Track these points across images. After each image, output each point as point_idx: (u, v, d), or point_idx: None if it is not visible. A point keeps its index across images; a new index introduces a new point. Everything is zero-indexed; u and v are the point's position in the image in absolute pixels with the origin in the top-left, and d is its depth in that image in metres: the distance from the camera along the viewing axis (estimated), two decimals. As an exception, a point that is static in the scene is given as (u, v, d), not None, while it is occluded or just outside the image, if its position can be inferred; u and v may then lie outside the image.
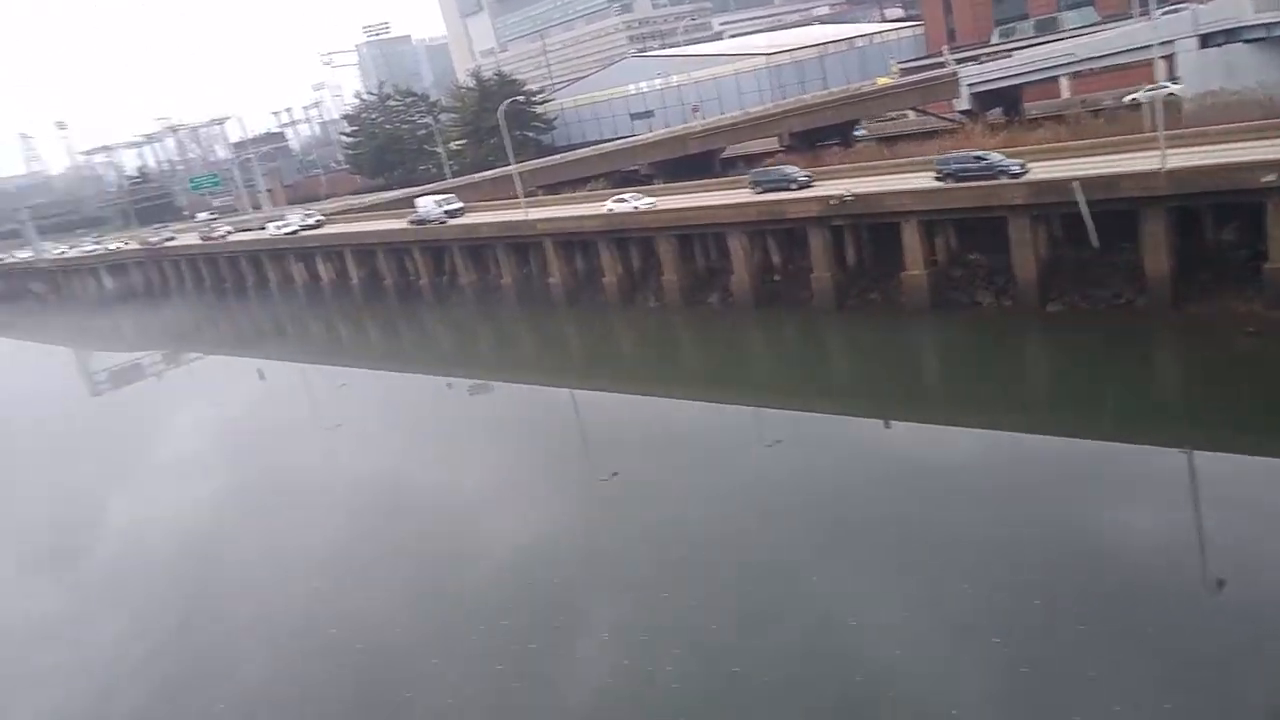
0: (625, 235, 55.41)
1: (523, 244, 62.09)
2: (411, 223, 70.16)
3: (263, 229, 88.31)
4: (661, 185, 68.45)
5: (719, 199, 53.27)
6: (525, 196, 64.06)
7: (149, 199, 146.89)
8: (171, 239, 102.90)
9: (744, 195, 52.61)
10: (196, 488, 40.31)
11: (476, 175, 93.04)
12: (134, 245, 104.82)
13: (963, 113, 65.42)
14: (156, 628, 27.52)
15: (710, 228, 51.39)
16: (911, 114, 77.27)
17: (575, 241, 58.74)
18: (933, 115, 71.81)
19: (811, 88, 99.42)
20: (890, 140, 71.74)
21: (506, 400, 47.15)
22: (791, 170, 53.16)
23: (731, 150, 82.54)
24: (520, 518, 30.90)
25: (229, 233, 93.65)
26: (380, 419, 47.10)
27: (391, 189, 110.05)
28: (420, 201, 72.70)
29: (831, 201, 44.29)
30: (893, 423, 34.92)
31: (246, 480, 40.60)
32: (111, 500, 41.30)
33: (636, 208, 55.19)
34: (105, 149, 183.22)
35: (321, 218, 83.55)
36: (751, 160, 76.31)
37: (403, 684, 22.15)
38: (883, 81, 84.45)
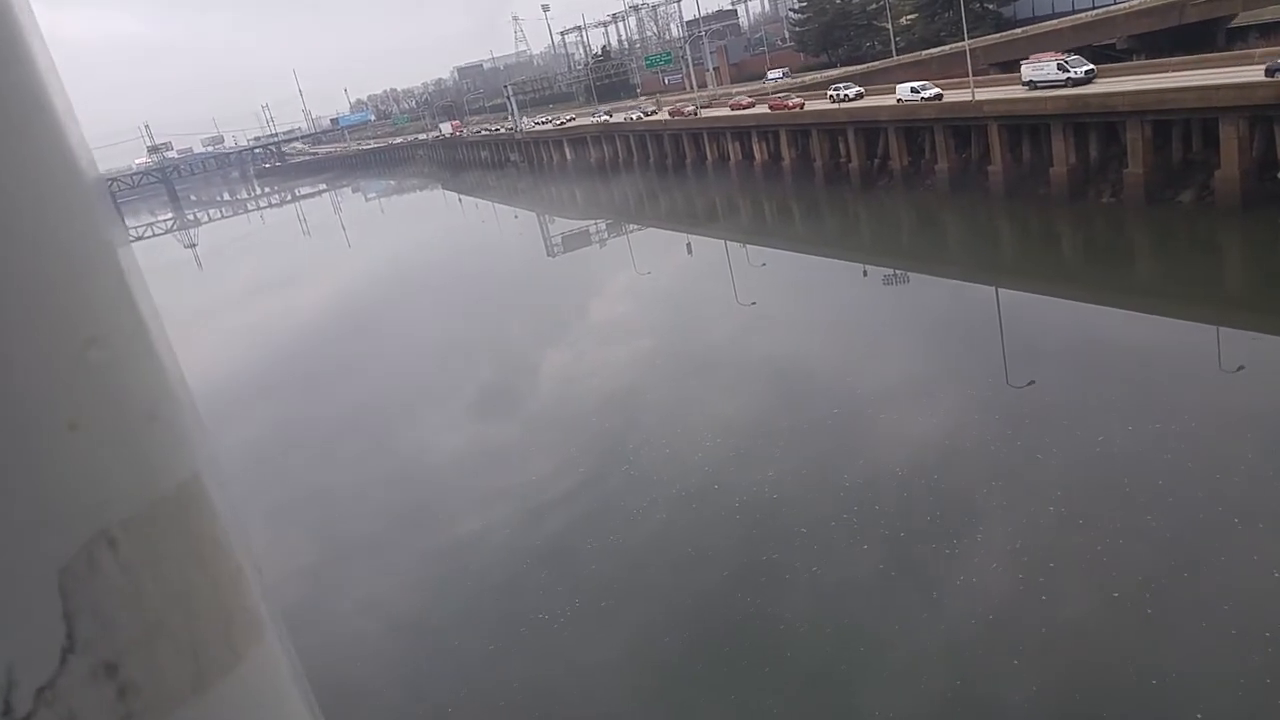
0: (1085, 120, 48.58)
1: (963, 127, 57.22)
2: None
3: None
4: (1143, 61, 58.95)
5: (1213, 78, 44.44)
6: (975, 75, 58.71)
7: (607, 76, 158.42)
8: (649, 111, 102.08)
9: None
10: (620, 346, 43.72)
11: (923, 53, 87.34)
12: (663, 115, 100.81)
13: None
14: (575, 464, 30.26)
15: (1198, 112, 43.10)
16: None
17: (1024, 125, 52.81)
18: None
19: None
20: None
21: (922, 293, 44.49)
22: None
23: (1244, 18, 68.28)
24: (921, 415, 29.13)
25: (801, 102, 77.32)
26: (793, 300, 47.00)
27: (834, 67, 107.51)
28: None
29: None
30: None
31: (664, 344, 42.92)
32: (549, 350, 46.07)
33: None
34: (578, 29, 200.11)
35: (940, 91, 61.53)
36: (1268, 31, 62.78)
37: (771, 547, 22.54)
38: None
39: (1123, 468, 23.21)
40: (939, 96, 60.45)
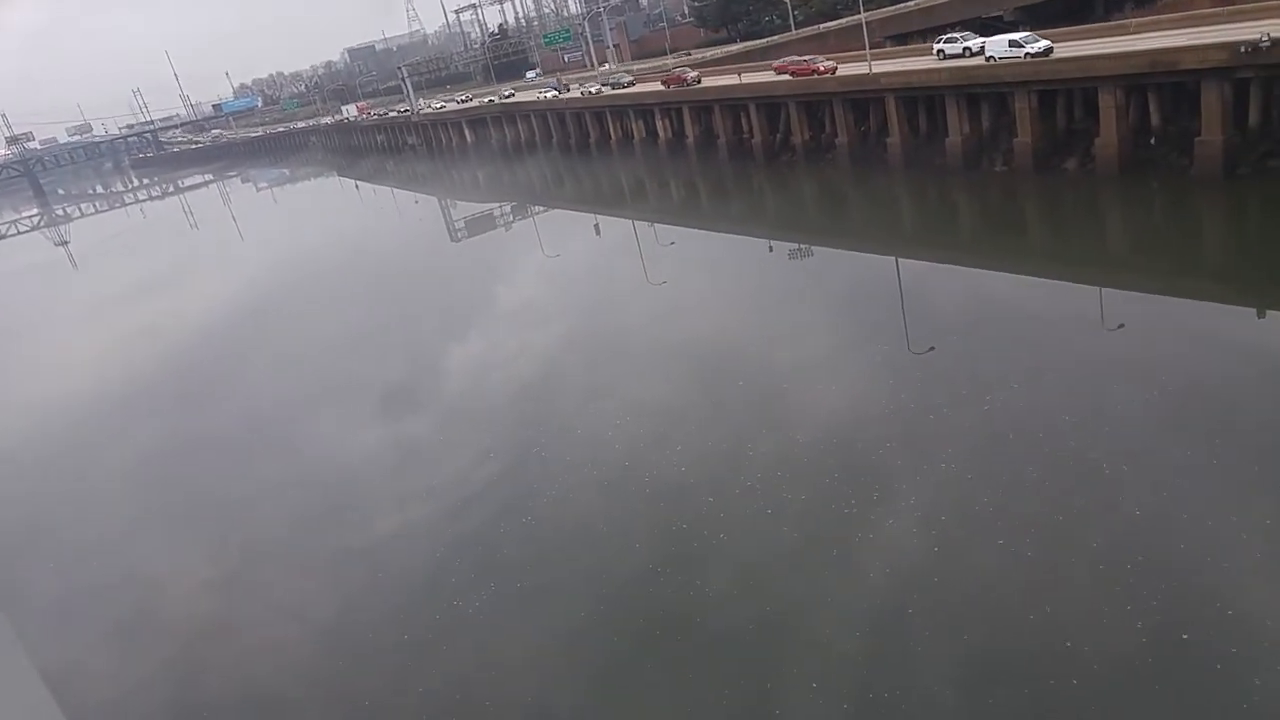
0: (977, 90, 49.88)
1: (862, 100, 58.19)
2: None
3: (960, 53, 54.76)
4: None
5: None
6: (871, 48, 59.66)
7: (506, 55, 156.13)
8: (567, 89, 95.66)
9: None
10: (531, 333, 43.23)
11: (821, 26, 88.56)
12: (656, 85, 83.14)
13: None
14: (486, 451, 29.93)
15: (1079, 82, 44.67)
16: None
17: (920, 97, 53.97)
18: None
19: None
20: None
21: (827, 265, 45.35)
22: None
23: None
24: (827, 384, 29.91)
25: (834, 66, 63.77)
26: (703, 277, 47.34)
27: (734, 42, 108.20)
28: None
29: (1243, 48, 36.56)
30: (1271, 314, 29.26)
31: (576, 328, 42.73)
32: (456, 337, 45.34)
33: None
34: (473, 6, 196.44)
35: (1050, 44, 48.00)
36: (1142, 2, 65.52)
37: (680, 519, 22.87)
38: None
39: (1009, 423, 24.28)
40: (1049, 51, 47.18)
